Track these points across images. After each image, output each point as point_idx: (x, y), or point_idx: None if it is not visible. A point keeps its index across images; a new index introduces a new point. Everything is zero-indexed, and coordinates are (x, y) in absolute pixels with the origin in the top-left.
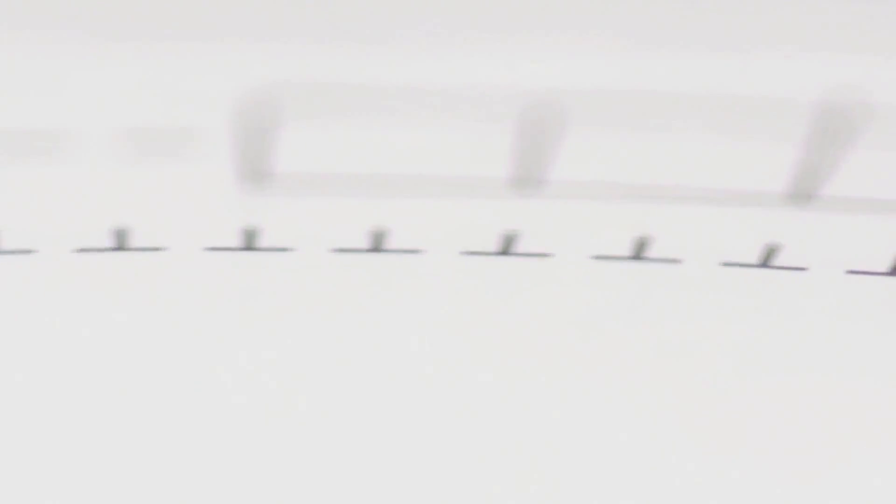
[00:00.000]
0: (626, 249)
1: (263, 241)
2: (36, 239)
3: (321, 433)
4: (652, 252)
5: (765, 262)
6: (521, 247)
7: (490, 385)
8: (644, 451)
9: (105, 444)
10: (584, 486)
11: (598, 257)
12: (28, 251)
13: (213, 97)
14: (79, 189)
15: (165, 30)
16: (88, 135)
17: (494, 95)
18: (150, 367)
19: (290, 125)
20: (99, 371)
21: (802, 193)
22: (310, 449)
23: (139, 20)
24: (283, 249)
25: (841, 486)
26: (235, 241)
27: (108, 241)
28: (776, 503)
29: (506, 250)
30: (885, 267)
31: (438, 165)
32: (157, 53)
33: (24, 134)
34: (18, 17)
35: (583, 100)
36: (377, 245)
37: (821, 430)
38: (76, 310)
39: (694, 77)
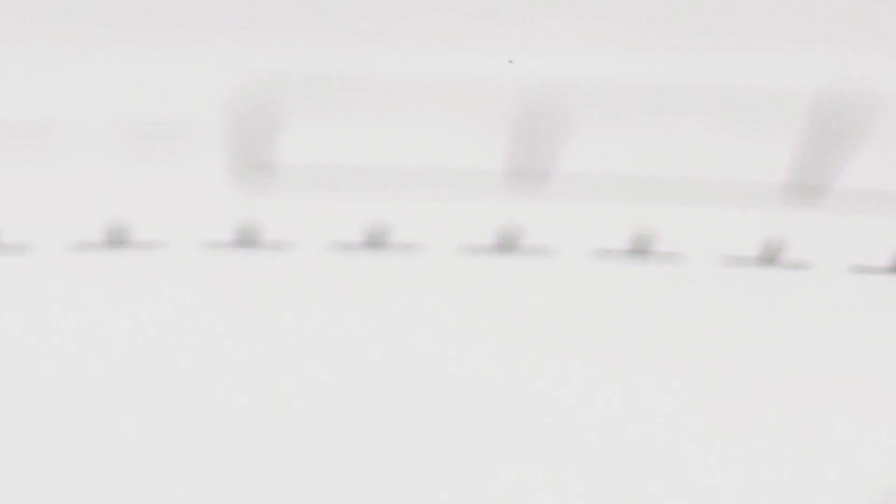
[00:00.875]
0: (628, 245)
1: (260, 237)
2: (30, 235)
3: (321, 427)
4: (654, 248)
5: (767, 259)
6: (521, 242)
7: (490, 380)
8: (646, 445)
9: (100, 438)
10: (585, 480)
11: (600, 253)
12: (22, 247)
13: (209, 92)
14: (73, 184)
15: (163, 24)
16: (83, 130)
17: (494, 90)
18: (145, 364)
19: (288, 120)
20: (93, 366)
21: (805, 189)
22: (311, 444)
23: (137, 14)
24: (280, 245)
25: (840, 480)
26: (232, 236)
27: (103, 238)
28: (776, 493)
29: (506, 246)
30: (886, 263)
31: (438, 160)
32: (154, 48)
33: (16, 128)
34: (9, 11)
35: (584, 95)
36: (376, 241)
37: (821, 424)
38: (70, 307)
39: (694, 72)
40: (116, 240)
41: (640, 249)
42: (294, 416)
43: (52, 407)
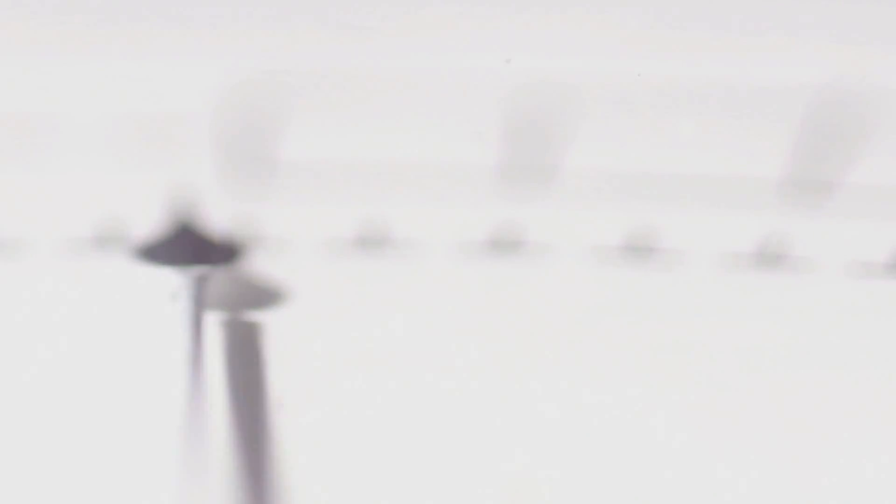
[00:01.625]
0: (628, 245)
1: (256, 235)
2: (22, 233)
3: (321, 428)
4: (654, 248)
5: (766, 259)
6: (521, 242)
7: (489, 380)
8: (644, 445)
9: (92, 437)
10: (584, 480)
11: (599, 252)
12: (14, 246)
13: (203, 89)
14: (68, 182)
15: (157, 23)
16: (78, 127)
17: (492, 88)
18: (138, 363)
19: (283, 117)
20: (87, 365)
21: (805, 187)
22: (309, 445)
23: (132, 12)
24: (277, 244)
25: (840, 481)
26: (226, 234)
27: (98, 235)
28: (776, 495)
29: (505, 245)
30: (886, 263)
31: (436, 159)
32: (148, 46)
33: (7, 126)
34: (2, 10)
35: (583, 94)
36: (373, 240)
37: (819, 425)
38: (64, 306)
39: (694, 72)
40: (110, 238)
41: (640, 249)
42: (293, 417)
43: (46, 405)
